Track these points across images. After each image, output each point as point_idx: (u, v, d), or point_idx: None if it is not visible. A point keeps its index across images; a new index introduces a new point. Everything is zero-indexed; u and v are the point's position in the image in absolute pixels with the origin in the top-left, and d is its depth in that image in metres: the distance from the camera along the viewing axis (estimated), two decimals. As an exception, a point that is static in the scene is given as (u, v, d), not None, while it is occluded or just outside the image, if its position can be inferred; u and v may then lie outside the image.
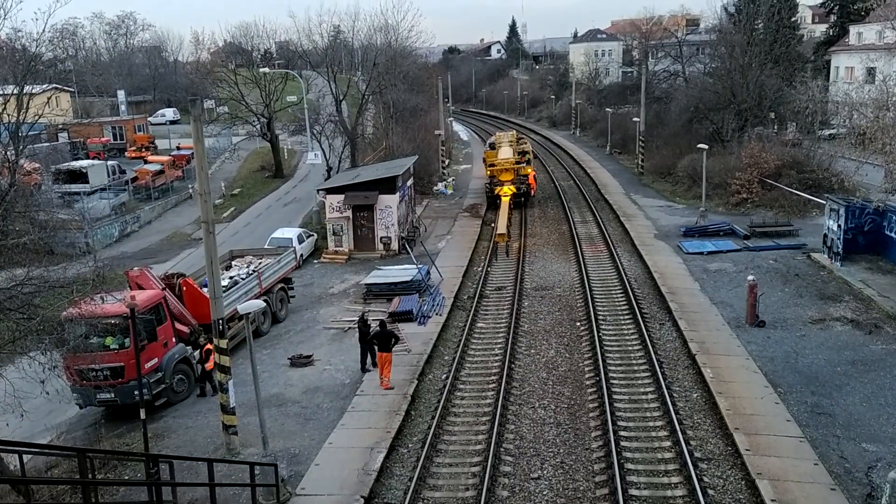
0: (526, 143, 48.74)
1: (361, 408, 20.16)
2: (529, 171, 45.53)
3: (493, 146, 47.48)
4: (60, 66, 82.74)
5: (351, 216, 36.88)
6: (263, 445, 16.49)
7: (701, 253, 33.38)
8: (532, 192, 46.26)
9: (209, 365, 21.82)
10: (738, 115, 51.85)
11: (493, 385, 21.27)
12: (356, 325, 23.80)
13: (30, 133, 26.71)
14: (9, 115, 27.16)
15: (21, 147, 24.58)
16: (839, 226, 29.92)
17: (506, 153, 44.56)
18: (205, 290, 22.44)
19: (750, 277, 25.16)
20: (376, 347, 21.63)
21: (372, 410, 19.91)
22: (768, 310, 25.14)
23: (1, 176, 20.25)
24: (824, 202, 32.79)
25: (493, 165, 44.13)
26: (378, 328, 21.79)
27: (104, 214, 44.10)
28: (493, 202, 42.92)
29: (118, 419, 21.31)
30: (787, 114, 51.83)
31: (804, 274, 29.59)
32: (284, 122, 63.52)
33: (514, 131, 54.68)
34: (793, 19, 71.98)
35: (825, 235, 31.34)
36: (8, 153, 22.60)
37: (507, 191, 40.19)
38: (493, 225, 38.10)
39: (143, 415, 17.38)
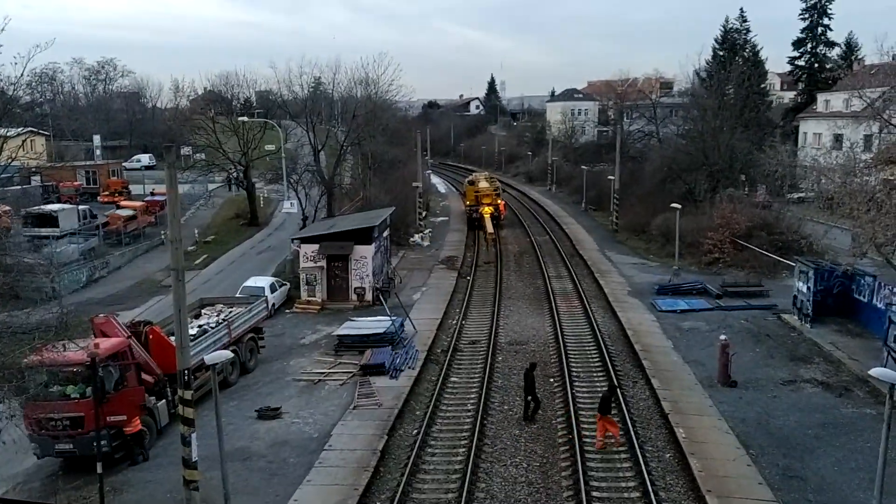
0: (496, 181, 64.67)
1: (329, 463, 19.67)
2: (500, 201, 60.38)
3: (472, 182, 62.06)
4: (37, 109, 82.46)
5: (325, 266, 36.62)
6: (225, 502, 15.95)
7: (674, 311, 33.55)
8: (502, 217, 60.26)
9: (129, 428, 20.62)
10: (710, 176, 52.90)
11: (465, 441, 20.91)
12: (524, 372, 23.22)
13: (2, 175, 26.39)
14: (-19, 157, 26.88)
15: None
16: (809, 288, 30.29)
17: (485, 185, 59.52)
18: (172, 338, 21.96)
19: (722, 337, 25.25)
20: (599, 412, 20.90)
21: (340, 466, 19.43)
22: (740, 370, 25.19)
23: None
24: (794, 264, 33.25)
25: (478, 192, 58.17)
26: (607, 391, 21.39)
27: (73, 259, 43.34)
28: (472, 224, 57.95)
29: (77, 471, 20.50)
30: (757, 176, 52.94)
31: (775, 335, 29.79)
32: (261, 171, 63.50)
33: (487, 172, 72.76)
34: (762, 86, 74.42)
35: (795, 297, 31.68)
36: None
37: (487, 210, 54.51)
38: (480, 243, 52.68)
39: (99, 468, 16.77)
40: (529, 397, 22.76)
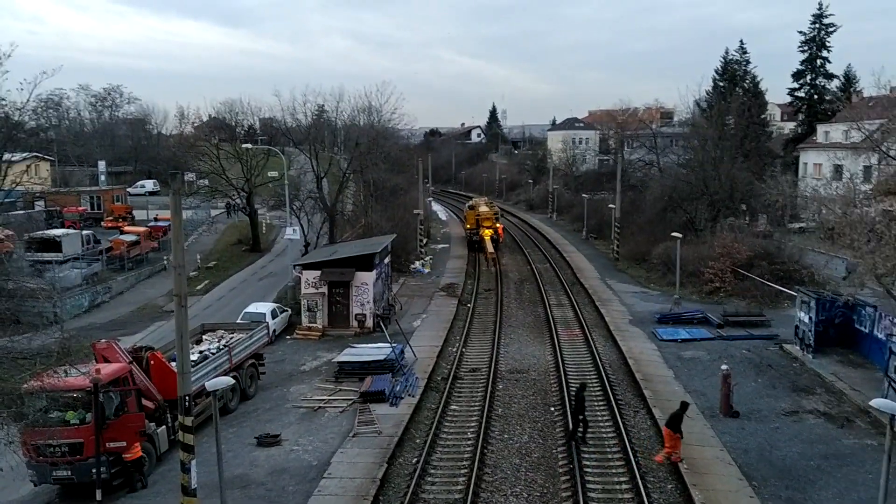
0: (495, 206, 67.37)
1: (328, 491, 19.55)
2: (499, 225, 62.95)
3: (472, 207, 64.90)
4: (42, 135, 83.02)
5: (326, 292, 36.67)
6: (224, 530, 15.84)
7: (675, 340, 33.49)
8: (501, 239, 62.65)
9: (129, 455, 20.46)
10: (711, 205, 53.10)
11: (465, 471, 20.78)
12: (575, 394, 23.04)
13: (6, 200, 26.55)
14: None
15: (-5, 214, 24.38)
16: (810, 318, 30.26)
17: (485, 209, 62.20)
18: (173, 364, 21.97)
19: (724, 367, 25.18)
20: (666, 427, 20.98)
21: (339, 495, 19.31)
22: (742, 400, 25.10)
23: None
24: (795, 294, 33.25)
25: (478, 216, 60.88)
26: (679, 409, 21.29)
27: (75, 284, 43.44)
28: (472, 246, 61.28)
29: (74, 498, 20.40)
30: (758, 206, 53.18)
31: (777, 365, 29.72)
32: (264, 197, 63.82)
33: (487, 197, 74.39)
34: (762, 116, 74.99)
35: (797, 327, 31.64)
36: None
37: (487, 232, 58.41)
38: (482, 265, 56.22)
39: (99, 496, 16.68)
40: (580, 417, 22.58)
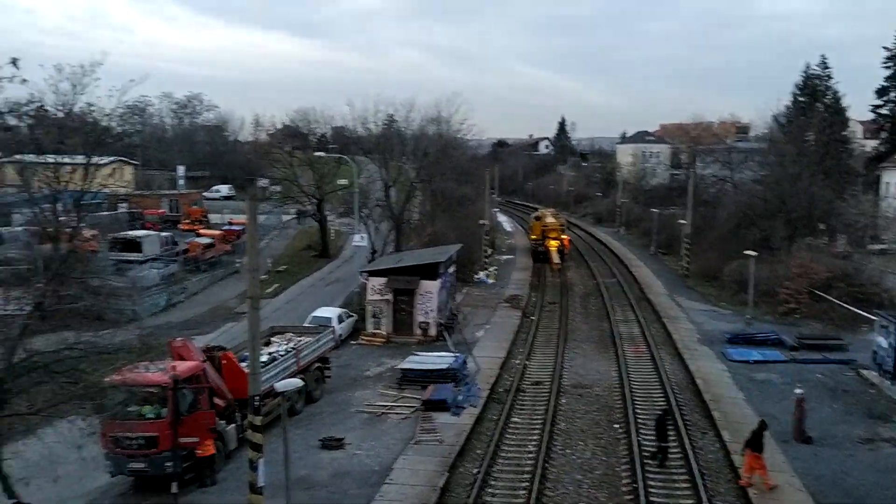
0: (562, 218, 66.79)
1: (389, 497, 19.76)
2: (565, 236, 62.55)
3: (538, 218, 64.67)
4: (127, 140, 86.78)
5: (392, 299, 37.08)
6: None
7: (746, 361, 32.56)
8: (567, 251, 62.04)
9: (201, 451, 21.05)
10: (788, 223, 51.42)
11: (526, 484, 20.69)
12: (657, 418, 22.98)
13: (93, 201, 27.91)
14: (75, 184, 28.52)
15: (83, 214, 25.64)
16: (889, 343, 29.00)
17: (551, 220, 62.06)
18: (244, 364, 22.61)
19: (798, 391, 24.38)
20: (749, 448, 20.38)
21: (400, 501, 19.50)
22: (816, 426, 24.23)
23: (60, 242, 21.09)
24: (874, 318, 31.96)
25: (545, 227, 61.02)
26: (758, 427, 20.96)
27: (153, 284, 45.13)
28: (537, 258, 60.87)
29: (146, 490, 21.15)
30: (837, 226, 51.30)
31: (853, 391, 28.61)
32: (334, 204, 65.03)
33: (553, 209, 73.25)
34: (843, 133, 72.27)
35: (875, 352, 30.36)
36: (70, 219, 23.59)
37: (553, 243, 58.62)
38: (550, 273, 56.78)
39: (174, 488, 17.26)
40: (662, 444, 22.30)
